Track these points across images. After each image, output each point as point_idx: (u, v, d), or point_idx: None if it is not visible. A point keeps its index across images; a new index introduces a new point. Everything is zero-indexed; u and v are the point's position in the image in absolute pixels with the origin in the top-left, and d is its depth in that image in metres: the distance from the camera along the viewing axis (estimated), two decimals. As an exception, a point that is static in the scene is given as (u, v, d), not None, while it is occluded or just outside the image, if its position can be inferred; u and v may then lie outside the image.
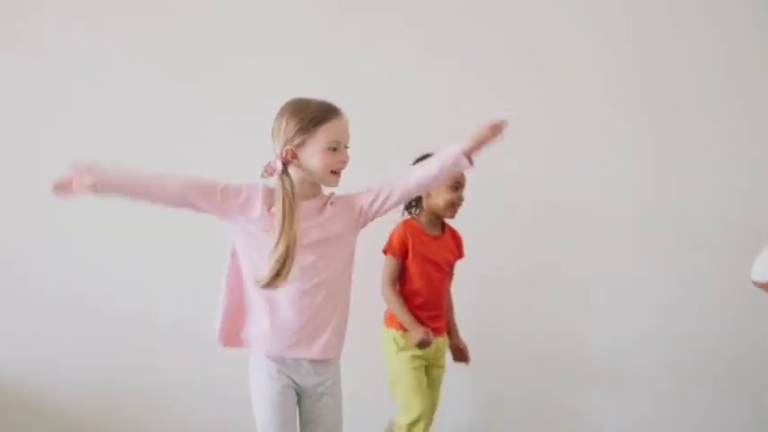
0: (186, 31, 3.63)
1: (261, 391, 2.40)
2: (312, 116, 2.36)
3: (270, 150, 2.45)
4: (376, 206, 2.41)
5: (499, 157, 3.45)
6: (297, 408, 2.43)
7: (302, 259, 2.33)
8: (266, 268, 2.30)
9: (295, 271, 2.32)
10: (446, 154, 2.37)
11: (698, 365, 3.67)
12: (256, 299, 2.39)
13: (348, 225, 2.42)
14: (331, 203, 2.43)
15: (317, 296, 2.37)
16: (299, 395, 2.43)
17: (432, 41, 3.64)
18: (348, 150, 2.42)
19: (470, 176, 3.24)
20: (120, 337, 3.59)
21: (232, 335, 2.44)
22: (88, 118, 3.60)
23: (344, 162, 2.39)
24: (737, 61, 3.70)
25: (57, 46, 3.61)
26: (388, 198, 2.40)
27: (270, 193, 2.39)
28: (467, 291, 3.38)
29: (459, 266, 3.33)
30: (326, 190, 2.48)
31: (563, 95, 3.68)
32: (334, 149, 2.36)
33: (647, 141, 3.69)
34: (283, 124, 2.38)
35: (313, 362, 2.41)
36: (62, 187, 2.30)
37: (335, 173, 2.38)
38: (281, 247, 2.29)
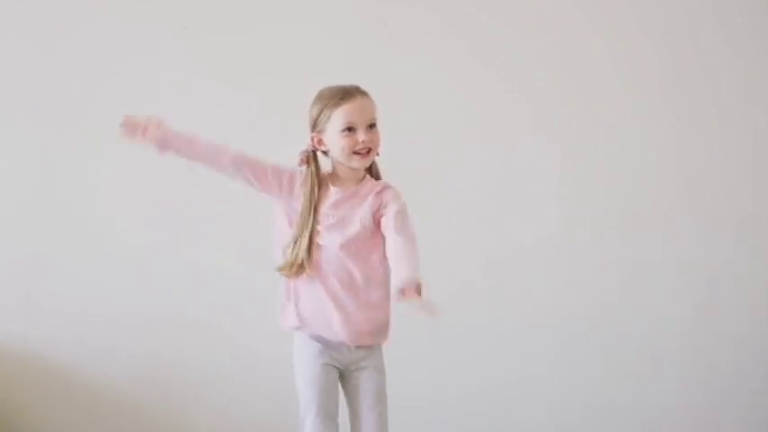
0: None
1: (303, 369, 2.46)
2: (328, 101, 2.42)
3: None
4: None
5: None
6: (339, 384, 2.49)
7: (348, 246, 2.41)
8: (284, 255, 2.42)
9: (340, 256, 2.40)
10: (399, 270, 2.30)
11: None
12: (303, 281, 2.46)
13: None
14: (378, 192, 2.47)
15: (362, 283, 2.43)
16: (342, 371, 2.49)
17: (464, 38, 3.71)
18: (375, 129, 2.43)
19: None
20: (174, 328, 3.68)
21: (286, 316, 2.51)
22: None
23: (364, 142, 2.41)
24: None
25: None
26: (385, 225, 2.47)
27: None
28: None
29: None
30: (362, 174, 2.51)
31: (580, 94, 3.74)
32: (350, 129, 2.39)
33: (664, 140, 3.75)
34: (311, 113, 2.47)
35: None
36: (132, 127, 2.41)
37: (358, 153, 2.41)
38: (296, 232, 2.40)
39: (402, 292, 2.19)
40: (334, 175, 2.47)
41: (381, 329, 2.49)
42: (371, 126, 2.43)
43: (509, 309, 3.72)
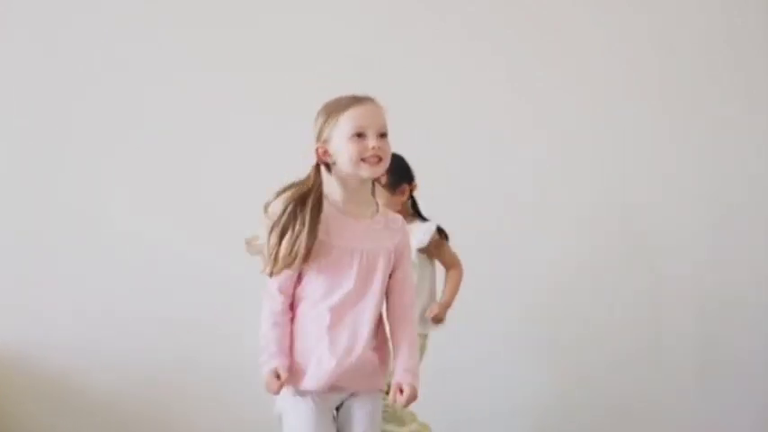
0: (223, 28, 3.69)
1: None
2: (334, 107, 2.22)
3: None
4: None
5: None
6: None
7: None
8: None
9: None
10: (404, 367, 2.23)
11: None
12: None
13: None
14: (390, 225, 2.29)
15: None
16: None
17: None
18: (386, 140, 2.22)
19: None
20: (161, 330, 3.65)
21: None
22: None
23: (374, 149, 2.18)
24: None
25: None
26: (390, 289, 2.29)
27: None
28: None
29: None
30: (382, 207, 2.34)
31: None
32: (360, 135, 2.18)
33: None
34: (316, 123, 2.25)
35: None
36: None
37: (366, 161, 2.18)
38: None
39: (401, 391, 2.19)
40: (343, 206, 2.24)
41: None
42: (382, 135, 2.21)
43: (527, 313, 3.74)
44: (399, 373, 2.22)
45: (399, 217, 2.35)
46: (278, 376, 2.16)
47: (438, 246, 3.10)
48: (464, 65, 3.73)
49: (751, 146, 3.75)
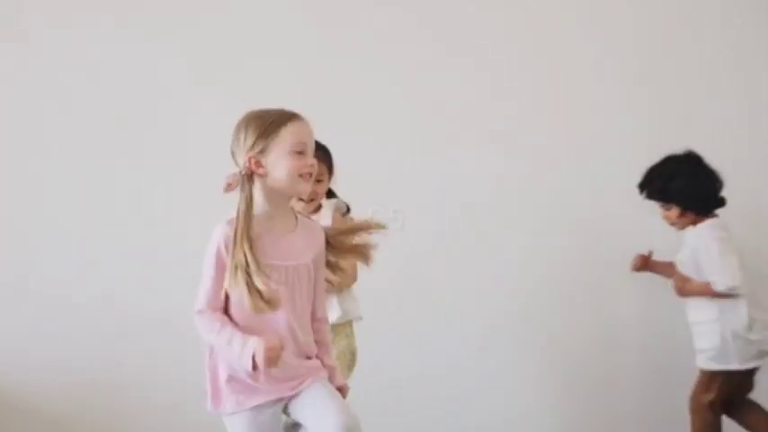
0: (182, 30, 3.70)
1: None
2: (273, 119, 2.21)
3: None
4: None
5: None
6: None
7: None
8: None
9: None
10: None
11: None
12: None
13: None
14: (309, 232, 2.31)
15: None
16: None
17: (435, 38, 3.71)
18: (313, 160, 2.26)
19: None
20: (99, 333, 3.64)
21: None
22: (85, 115, 3.66)
23: (312, 166, 2.23)
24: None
25: (56, 44, 3.65)
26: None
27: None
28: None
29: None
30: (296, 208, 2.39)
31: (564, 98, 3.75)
32: (300, 152, 2.20)
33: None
34: (242, 135, 2.21)
35: None
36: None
37: (303, 177, 2.22)
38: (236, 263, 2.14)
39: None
40: (266, 221, 2.23)
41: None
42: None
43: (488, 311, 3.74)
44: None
45: (314, 222, 2.39)
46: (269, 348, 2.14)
47: None
48: (454, 66, 3.73)
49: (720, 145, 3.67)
